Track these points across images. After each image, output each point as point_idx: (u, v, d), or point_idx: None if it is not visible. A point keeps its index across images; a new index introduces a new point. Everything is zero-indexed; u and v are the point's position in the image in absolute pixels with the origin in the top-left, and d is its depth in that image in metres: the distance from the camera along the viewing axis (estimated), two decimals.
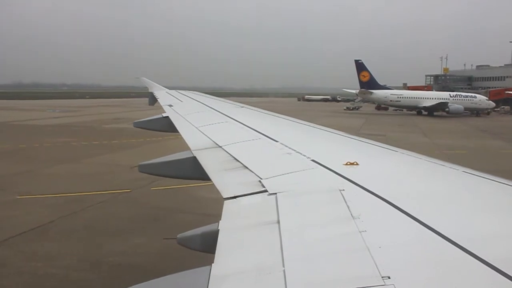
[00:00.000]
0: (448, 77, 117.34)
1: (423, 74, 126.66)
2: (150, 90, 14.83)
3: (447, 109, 67.86)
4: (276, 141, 4.96)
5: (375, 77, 76.45)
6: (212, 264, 2.09)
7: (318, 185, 3.27)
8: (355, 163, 3.64)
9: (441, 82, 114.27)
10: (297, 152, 4.32)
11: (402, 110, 76.45)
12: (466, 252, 1.91)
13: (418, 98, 73.15)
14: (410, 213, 2.42)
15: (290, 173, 3.63)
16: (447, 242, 2.03)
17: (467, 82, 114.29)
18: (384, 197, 2.72)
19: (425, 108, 70.89)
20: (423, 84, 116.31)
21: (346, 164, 3.63)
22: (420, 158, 4.18)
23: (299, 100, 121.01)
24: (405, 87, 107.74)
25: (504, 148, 31.70)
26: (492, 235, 2.22)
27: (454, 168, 3.70)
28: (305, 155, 4.13)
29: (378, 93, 74.08)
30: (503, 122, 59.80)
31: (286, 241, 2.25)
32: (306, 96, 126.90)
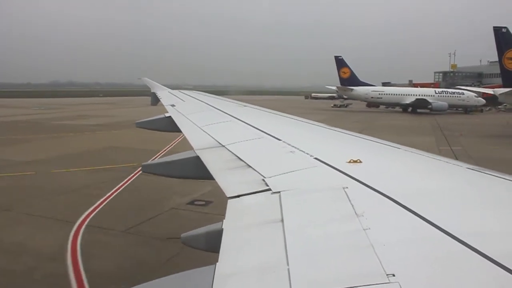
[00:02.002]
0: (456, 73, 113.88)
1: (433, 71, 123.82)
2: (152, 90, 14.85)
3: (430, 106, 65.69)
4: (279, 140, 4.95)
5: (356, 74, 74.51)
6: (217, 263, 2.09)
7: (321, 183, 3.26)
8: (358, 160, 3.64)
9: (448, 79, 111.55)
10: (300, 150, 4.31)
11: (394, 108, 74.30)
12: (471, 249, 1.90)
13: (400, 95, 70.93)
14: (414, 210, 2.41)
15: (294, 171, 3.63)
16: (452, 239, 2.02)
17: (477, 78, 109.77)
18: (388, 195, 2.71)
19: (407, 105, 69.08)
20: (431, 81, 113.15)
21: (350, 162, 3.62)
22: (424, 155, 4.17)
23: (306, 98, 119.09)
24: (411, 84, 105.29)
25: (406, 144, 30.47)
26: (497, 232, 2.21)
27: (458, 165, 3.69)
28: (308, 154, 4.12)
29: (358, 89, 72.01)
30: (478, 120, 56.47)
31: (290, 240, 2.25)
32: (313, 94, 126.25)
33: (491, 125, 47.45)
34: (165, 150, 23.77)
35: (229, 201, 3.11)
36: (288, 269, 1.92)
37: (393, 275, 1.74)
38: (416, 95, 69.06)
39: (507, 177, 3.21)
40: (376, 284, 1.70)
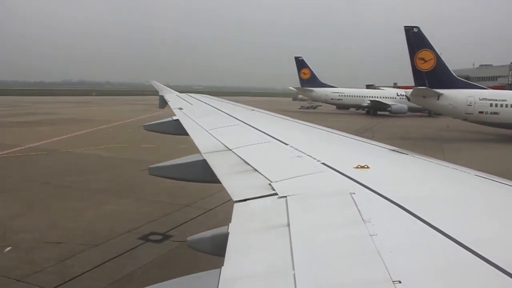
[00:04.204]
0: None
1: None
2: (160, 93, 14.91)
3: (389, 109, 62.91)
4: (287, 144, 4.95)
5: (316, 75, 71.74)
6: (222, 267, 2.08)
7: (328, 188, 3.25)
8: (365, 166, 3.62)
9: None
10: (308, 155, 4.30)
11: (364, 110, 70.46)
12: (478, 256, 1.89)
13: (359, 96, 68.52)
14: (421, 216, 2.40)
15: (301, 176, 3.62)
16: (459, 247, 2.00)
17: None
18: (395, 201, 2.70)
19: (366, 107, 66.72)
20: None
21: (357, 167, 3.61)
22: (432, 162, 4.15)
23: (294, 99, 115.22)
24: (395, 86, 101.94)
25: None
26: (504, 239, 2.19)
27: (466, 172, 3.66)
28: (315, 158, 4.12)
29: (318, 91, 69.85)
30: (424, 123, 52.10)
31: (296, 245, 2.24)
32: (300, 96, 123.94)
33: (428, 128, 44.90)
34: (27, 147, 24.51)
35: (235, 205, 3.11)
36: (294, 274, 1.91)
37: (399, 282, 1.72)
38: (374, 97, 66.20)
39: None
40: None
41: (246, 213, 2.97)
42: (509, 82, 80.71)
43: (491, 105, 34.46)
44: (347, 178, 3.35)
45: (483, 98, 34.80)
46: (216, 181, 4.03)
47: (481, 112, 34.60)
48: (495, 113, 34.44)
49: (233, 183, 3.76)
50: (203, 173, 4.59)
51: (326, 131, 6.38)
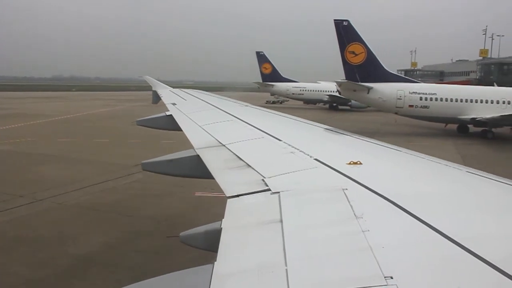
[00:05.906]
0: (418, 72, 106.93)
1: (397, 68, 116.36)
2: (153, 89, 14.84)
3: (349, 103, 60.80)
4: (280, 140, 4.96)
5: (277, 69, 70.68)
6: (215, 262, 2.09)
7: (321, 184, 3.26)
8: (358, 162, 3.63)
9: (410, 77, 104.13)
10: (301, 151, 4.31)
11: (334, 105, 67.86)
12: (469, 252, 1.90)
13: (321, 91, 66.93)
14: (413, 213, 2.41)
15: (294, 172, 3.63)
16: (450, 242, 2.02)
17: (438, 77, 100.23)
18: (388, 197, 2.71)
19: (326, 102, 65.68)
20: None
21: (350, 163, 3.62)
22: (424, 158, 4.17)
23: (272, 94, 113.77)
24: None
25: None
26: (495, 235, 2.21)
27: (457, 168, 3.69)
28: (308, 154, 4.13)
29: (279, 85, 68.92)
30: (374, 118, 48.59)
31: (289, 240, 2.25)
32: None
33: (374, 123, 42.89)
34: None
35: (229, 200, 3.11)
36: (286, 270, 1.92)
37: (391, 278, 1.74)
38: (332, 91, 62.91)
39: (506, 181, 3.21)
40: (374, 286, 1.70)
41: (239, 209, 2.97)
42: (477, 77, 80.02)
43: (420, 98, 33.50)
44: (339, 174, 3.36)
45: (413, 92, 33.83)
46: (210, 176, 4.03)
47: (411, 106, 33.60)
48: (425, 106, 33.43)
49: (226, 178, 3.76)
50: (197, 169, 4.58)
51: (318, 127, 6.39)
